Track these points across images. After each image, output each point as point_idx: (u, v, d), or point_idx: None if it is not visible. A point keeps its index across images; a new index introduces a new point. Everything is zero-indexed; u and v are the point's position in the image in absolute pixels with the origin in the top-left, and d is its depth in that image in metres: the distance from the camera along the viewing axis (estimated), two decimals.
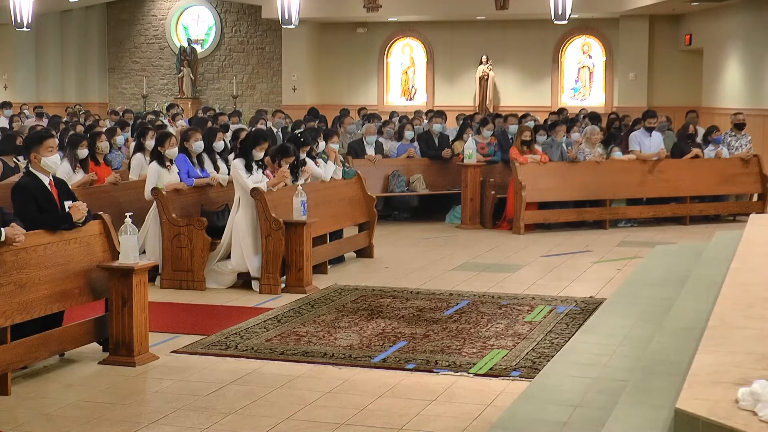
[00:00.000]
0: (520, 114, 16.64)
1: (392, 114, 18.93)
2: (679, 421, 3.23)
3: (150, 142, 10.44)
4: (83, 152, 9.94)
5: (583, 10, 20.92)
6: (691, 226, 13.49)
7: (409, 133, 14.56)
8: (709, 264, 7.11)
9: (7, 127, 15.96)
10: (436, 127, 14.54)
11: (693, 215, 13.80)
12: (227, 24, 25.63)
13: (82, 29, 26.05)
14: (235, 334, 7.57)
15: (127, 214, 6.78)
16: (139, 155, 10.65)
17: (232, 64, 25.61)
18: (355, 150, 13.93)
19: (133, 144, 12.11)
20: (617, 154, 13.60)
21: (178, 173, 9.73)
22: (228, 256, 9.44)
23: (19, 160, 10.66)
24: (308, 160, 10.51)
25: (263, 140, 9.59)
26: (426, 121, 16.13)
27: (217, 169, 10.34)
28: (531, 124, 14.49)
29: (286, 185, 9.67)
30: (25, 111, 20.17)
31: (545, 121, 16.32)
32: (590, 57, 23.46)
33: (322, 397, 6.06)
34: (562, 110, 19.25)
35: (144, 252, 9.27)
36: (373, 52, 24.45)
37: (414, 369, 6.64)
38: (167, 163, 9.62)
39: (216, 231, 9.50)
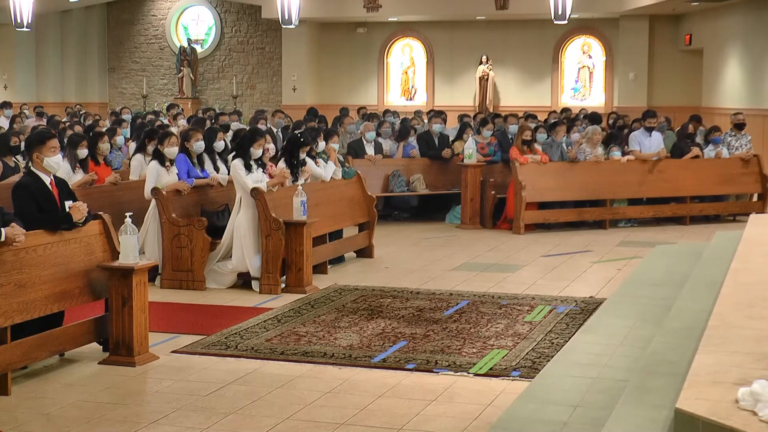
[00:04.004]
0: (520, 114, 16.62)
1: (385, 112, 18.92)
2: (679, 421, 3.23)
3: (152, 147, 10.43)
4: (83, 152, 9.94)
5: (583, 10, 20.93)
6: (691, 226, 13.49)
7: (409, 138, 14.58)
8: (709, 264, 7.11)
9: (7, 127, 15.96)
10: (436, 127, 14.53)
11: (693, 215, 13.80)
12: (227, 24, 25.63)
13: (82, 29, 26.06)
14: (235, 334, 7.57)
15: (127, 214, 6.78)
16: (139, 155, 10.65)
17: (232, 64, 25.61)
18: (355, 150, 13.92)
19: (133, 144, 12.11)
20: (616, 153, 13.57)
21: (177, 174, 9.72)
22: (229, 256, 9.44)
23: (18, 160, 10.66)
24: (308, 160, 10.50)
25: (260, 137, 9.59)
26: (426, 121, 16.12)
27: (217, 169, 10.34)
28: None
29: (285, 185, 9.67)
30: (25, 111, 20.16)
31: (545, 120, 16.31)
32: (590, 57, 23.47)
33: (322, 397, 6.06)
34: (565, 110, 19.24)
35: (143, 252, 9.26)
36: (373, 52, 24.45)
37: (414, 369, 6.64)
38: (167, 163, 9.61)
39: (216, 231, 9.49)
